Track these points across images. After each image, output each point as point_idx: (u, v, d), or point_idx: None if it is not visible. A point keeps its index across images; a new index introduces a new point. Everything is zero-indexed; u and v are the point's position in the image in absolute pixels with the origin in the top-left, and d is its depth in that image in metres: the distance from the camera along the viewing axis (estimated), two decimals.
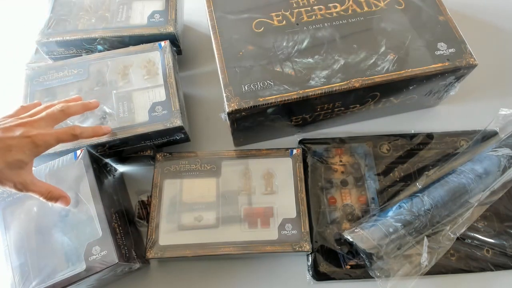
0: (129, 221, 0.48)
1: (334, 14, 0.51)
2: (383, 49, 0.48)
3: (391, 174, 0.51)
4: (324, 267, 0.46)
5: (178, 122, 0.47)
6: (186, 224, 0.47)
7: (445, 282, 0.47)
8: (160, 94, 0.49)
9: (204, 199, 0.48)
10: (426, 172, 0.50)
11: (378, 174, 0.51)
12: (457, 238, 0.46)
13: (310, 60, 0.47)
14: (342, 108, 0.51)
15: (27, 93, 0.49)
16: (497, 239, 0.47)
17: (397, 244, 0.44)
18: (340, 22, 0.50)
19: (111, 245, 0.39)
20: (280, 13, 0.51)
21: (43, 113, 0.39)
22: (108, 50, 0.54)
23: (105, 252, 0.39)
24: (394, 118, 0.58)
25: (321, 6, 0.51)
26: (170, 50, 0.51)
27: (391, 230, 0.44)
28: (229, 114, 0.45)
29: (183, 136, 0.50)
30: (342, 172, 0.51)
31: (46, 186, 0.39)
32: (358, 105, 0.51)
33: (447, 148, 0.53)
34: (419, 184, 0.49)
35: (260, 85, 0.46)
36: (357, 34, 0.49)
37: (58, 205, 0.40)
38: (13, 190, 0.37)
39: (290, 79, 0.46)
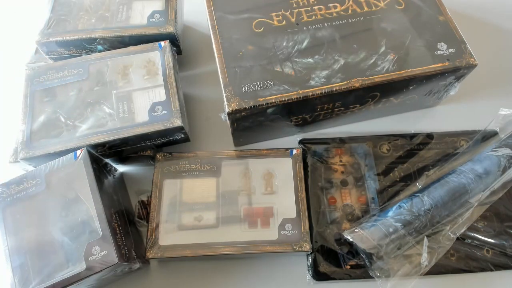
0: (129, 221, 0.48)
1: (334, 14, 0.51)
2: (383, 49, 0.48)
3: (391, 174, 0.51)
4: (324, 267, 0.46)
5: (178, 122, 0.47)
6: (186, 224, 0.47)
7: (445, 282, 0.47)
8: (160, 94, 0.49)
9: (204, 199, 0.48)
10: (426, 172, 0.50)
11: (378, 174, 0.51)
12: (457, 238, 0.46)
13: (310, 60, 0.47)
14: (342, 108, 0.51)
15: (27, 93, 0.49)
16: (497, 239, 0.47)
17: (397, 244, 0.44)
18: (340, 22, 0.50)
19: (111, 245, 0.39)
20: (280, 13, 0.51)
21: None
22: (108, 50, 0.54)
23: (105, 252, 0.39)
24: (394, 118, 0.58)
25: (321, 6, 0.51)
26: (170, 50, 0.51)
27: (391, 230, 0.44)
28: (229, 114, 0.45)
29: (183, 136, 0.50)
30: (342, 172, 0.51)
31: None
32: (358, 105, 0.51)
33: (447, 148, 0.53)
34: (419, 184, 0.49)
35: (260, 85, 0.46)
36: (357, 34, 0.49)
37: (58, 205, 0.40)
38: None
39: (290, 79, 0.46)
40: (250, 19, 0.50)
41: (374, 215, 0.48)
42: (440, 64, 0.47)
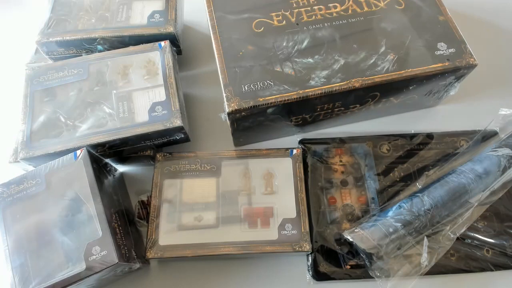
0: (129, 221, 0.48)
1: (334, 14, 0.51)
2: (383, 49, 0.48)
3: (391, 174, 0.51)
4: (324, 267, 0.46)
5: (178, 122, 0.47)
6: (186, 224, 0.47)
7: (445, 282, 0.47)
8: (160, 94, 0.49)
9: (204, 199, 0.48)
10: (426, 172, 0.50)
11: (378, 174, 0.51)
12: (457, 238, 0.46)
13: (310, 60, 0.47)
14: (342, 108, 0.51)
15: (27, 93, 0.49)
16: (497, 239, 0.47)
17: (397, 244, 0.44)
18: (340, 22, 0.50)
19: (111, 245, 0.39)
20: (280, 13, 0.51)
21: None
22: (108, 50, 0.54)
23: (105, 252, 0.39)
24: (394, 118, 0.58)
25: (321, 6, 0.51)
26: (170, 50, 0.51)
27: (391, 230, 0.44)
28: (229, 114, 0.45)
29: (183, 136, 0.50)
30: (342, 172, 0.51)
31: None
32: (358, 105, 0.51)
33: (447, 148, 0.53)
34: (419, 184, 0.49)
35: (260, 85, 0.46)
36: (357, 34, 0.49)
37: (58, 205, 0.40)
38: None
39: (290, 79, 0.46)
40: (250, 19, 0.50)
41: (374, 215, 0.48)
42: (440, 64, 0.47)
